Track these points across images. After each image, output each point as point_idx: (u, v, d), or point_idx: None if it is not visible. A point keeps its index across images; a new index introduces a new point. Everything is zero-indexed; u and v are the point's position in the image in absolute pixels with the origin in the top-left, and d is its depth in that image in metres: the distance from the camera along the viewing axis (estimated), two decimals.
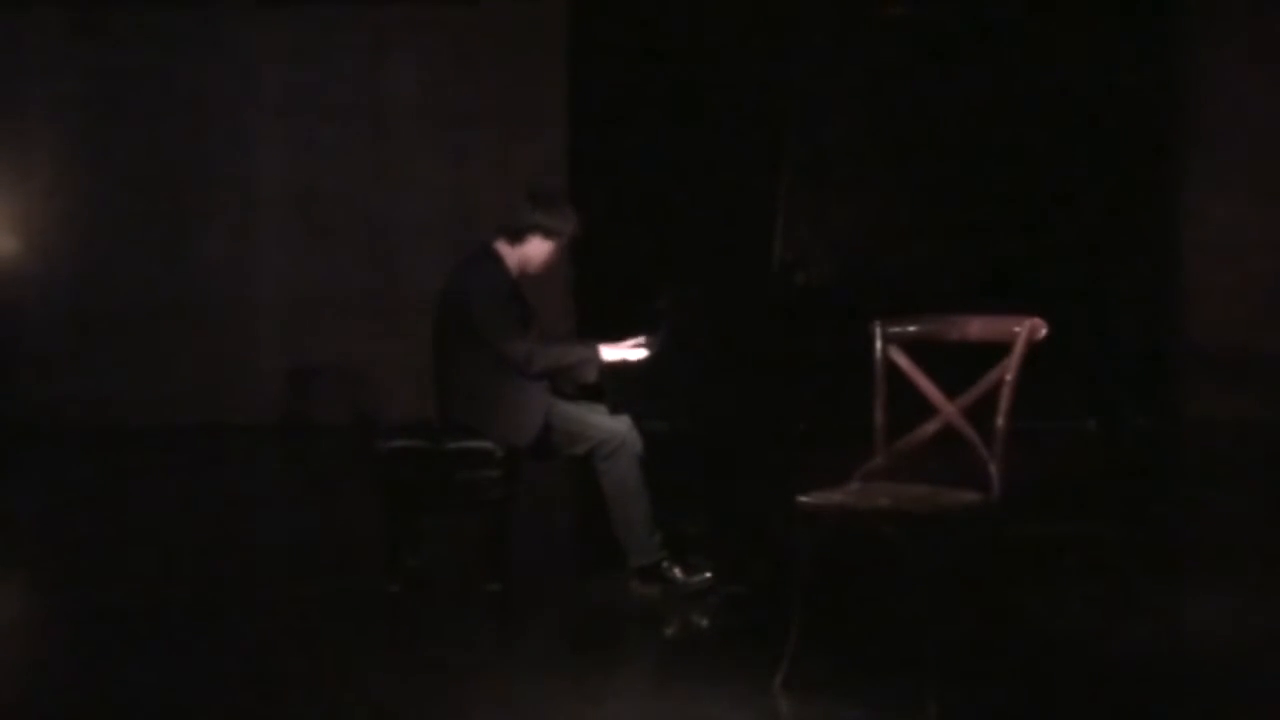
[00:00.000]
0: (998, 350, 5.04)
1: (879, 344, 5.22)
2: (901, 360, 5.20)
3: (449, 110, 10.99)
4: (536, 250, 6.32)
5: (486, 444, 6.18)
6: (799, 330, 6.70)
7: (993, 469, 4.96)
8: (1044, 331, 5.03)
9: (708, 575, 6.24)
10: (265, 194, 11.06)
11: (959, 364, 5.22)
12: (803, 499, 4.99)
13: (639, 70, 10.66)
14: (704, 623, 6.04)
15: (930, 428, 5.17)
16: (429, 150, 10.96)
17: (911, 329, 5.24)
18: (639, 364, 6.26)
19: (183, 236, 11.00)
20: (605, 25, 10.77)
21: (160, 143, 10.94)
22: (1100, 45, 10.54)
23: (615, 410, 6.28)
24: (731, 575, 6.27)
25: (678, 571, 6.23)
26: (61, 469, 9.92)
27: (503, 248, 6.33)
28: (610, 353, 6.26)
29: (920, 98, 10.50)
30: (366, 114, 11.02)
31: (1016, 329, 5.04)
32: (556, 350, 6.28)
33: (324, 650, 5.74)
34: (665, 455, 6.35)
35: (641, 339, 6.33)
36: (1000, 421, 4.98)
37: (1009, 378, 4.99)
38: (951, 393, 5.14)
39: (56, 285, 10.97)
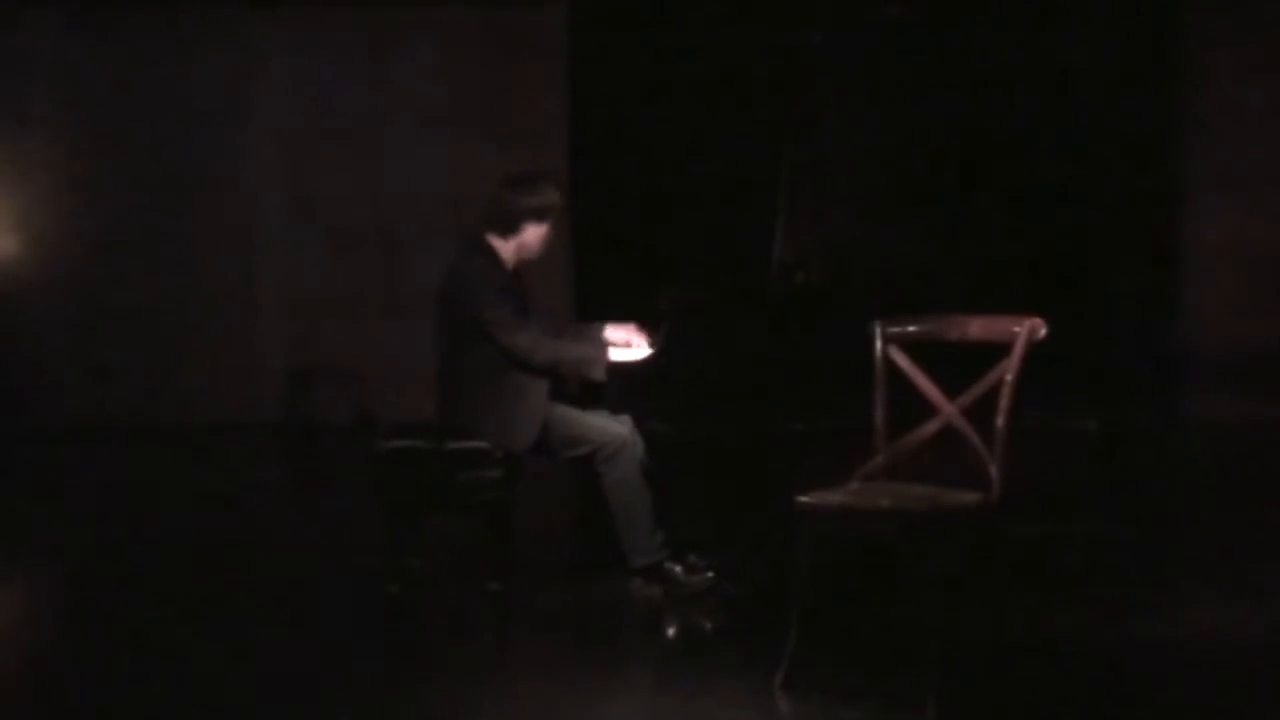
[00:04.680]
0: (998, 350, 5.04)
1: (879, 344, 5.22)
2: (901, 360, 5.20)
3: (449, 111, 10.99)
4: (533, 235, 6.29)
5: (486, 444, 6.18)
6: (799, 330, 6.70)
7: (993, 469, 4.96)
8: (1044, 331, 5.03)
9: (709, 575, 6.24)
10: (266, 194, 11.06)
11: (959, 364, 5.22)
12: (803, 499, 4.99)
13: (639, 71, 10.66)
14: (704, 623, 6.04)
15: (930, 428, 5.17)
16: (429, 151, 10.96)
17: (911, 329, 5.24)
18: (639, 364, 6.26)
19: (183, 237, 11.00)
20: (605, 27, 10.77)
21: (161, 143, 10.94)
22: (1100, 45, 10.55)
23: (615, 411, 6.28)
24: (731, 575, 6.27)
25: (679, 571, 6.23)
26: (61, 469, 9.92)
27: (495, 241, 6.31)
28: (616, 353, 6.24)
29: (920, 98, 10.51)
30: (367, 115, 11.02)
31: (1016, 329, 5.04)
32: (561, 344, 6.26)
33: (324, 650, 5.74)
34: (665, 455, 6.34)
35: (643, 334, 6.33)
36: (1000, 421, 4.98)
37: (1009, 378, 4.99)
38: (951, 393, 5.14)
39: (56, 285, 10.98)
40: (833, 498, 5.02)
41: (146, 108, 10.95)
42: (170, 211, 10.98)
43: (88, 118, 10.98)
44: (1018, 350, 5.01)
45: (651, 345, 6.31)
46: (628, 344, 6.37)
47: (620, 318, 6.53)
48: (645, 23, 10.67)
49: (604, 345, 6.27)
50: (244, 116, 11.02)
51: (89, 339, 10.95)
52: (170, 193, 10.97)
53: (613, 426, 6.22)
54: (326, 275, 11.01)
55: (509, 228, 6.28)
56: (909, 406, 5.20)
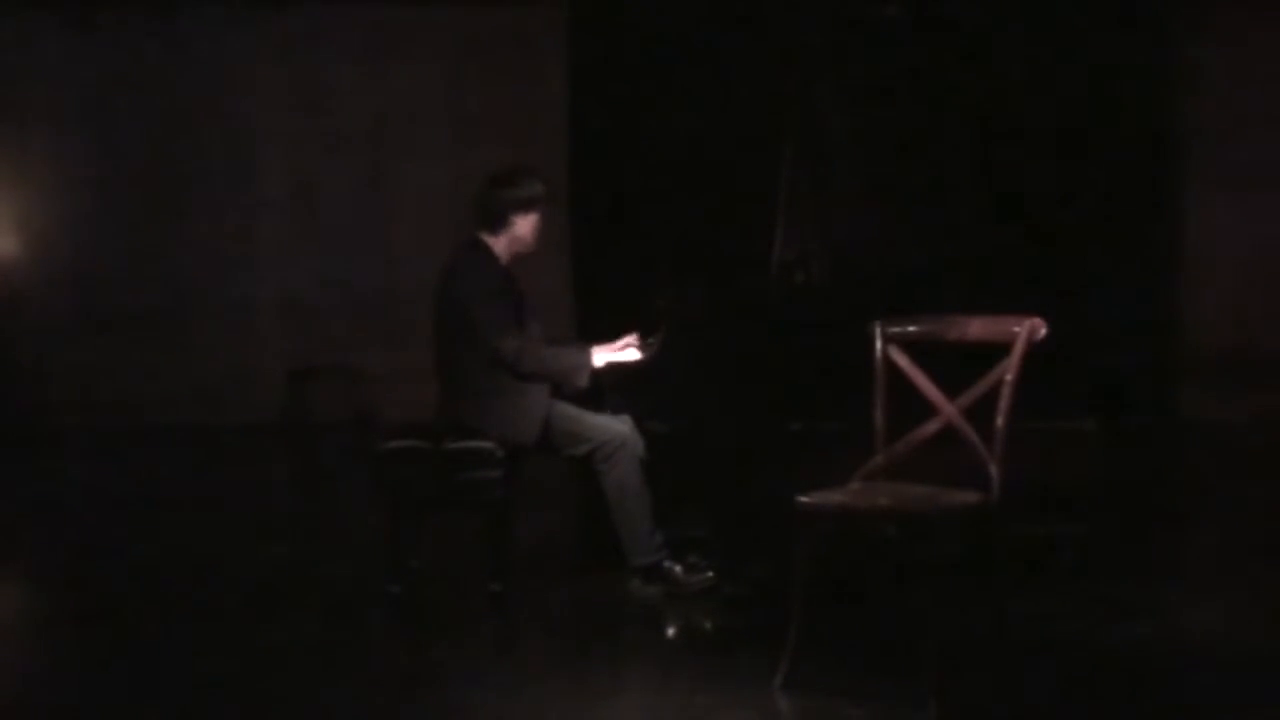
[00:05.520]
0: (998, 350, 5.04)
1: (879, 344, 5.23)
2: (901, 360, 5.20)
3: (449, 111, 10.99)
4: (524, 227, 6.35)
5: (486, 444, 6.18)
6: (799, 330, 6.70)
7: (993, 469, 4.96)
8: (1044, 331, 5.03)
9: (708, 575, 6.24)
10: (265, 194, 11.06)
11: (959, 364, 5.22)
12: (803, 499, 5.00)
13: (639, 71, 10.66)
14: (704, 623, 6.04)
15: (930, 428, 5.17)
16: (429, 151, 10.96)
17: (911, 329, 5.24)
18: (639, 364, 6.26)
19: (182, 236, 11.00)
20: (605, 27, 10.77)
21: (160, 143, 10.94)
22: (1099, 45, 10.54)
23: (615, 411, 6.29)
24: (731, 575, 6.27)
25: (678, 571, 6.23)
26: (61, 469, 9.91)
27: (487, 239, 6.35)
28: (602, 356, 6.26)
29: (919, 98, 10.50)
30: (366, 115, 11.02)
31: (1016, 329, 5.04)
32: (547, 353, 6.28)
33: (325, 650, 5.74)
34: (665, 455, 6.34)
35: (634, 339, 6.33)
36: (1000, 421, 4.98)
37: (1009, 378, 5.00)
38: (951, 393, 5.14)
39: (56, 285, 10.98)
40: (833, 498, 5.03)
41: (146, 108, 10.95)
42: (170, 211, 10.98)
43: (88, 118, 10.98)
44: (1017, 350, 5.01)
45: (645, 352, 6.31)
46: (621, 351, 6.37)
47: (620, 317, 6.53)
48: (645, 23, 10.67)
49: (589, 353, 6.27)
50: (244, 116, 11.02)
51: (89, 339, 10.95)
52: (170, 193, 10.97)
53: (613, 425, 6.24)
54: (326, 275, 11.01)
55: (498, 223, 6.33)
56: (909, 406, 5.20)
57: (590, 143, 10.74)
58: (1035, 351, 5.02)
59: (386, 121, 11.04)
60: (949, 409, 5.12)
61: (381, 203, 11.03)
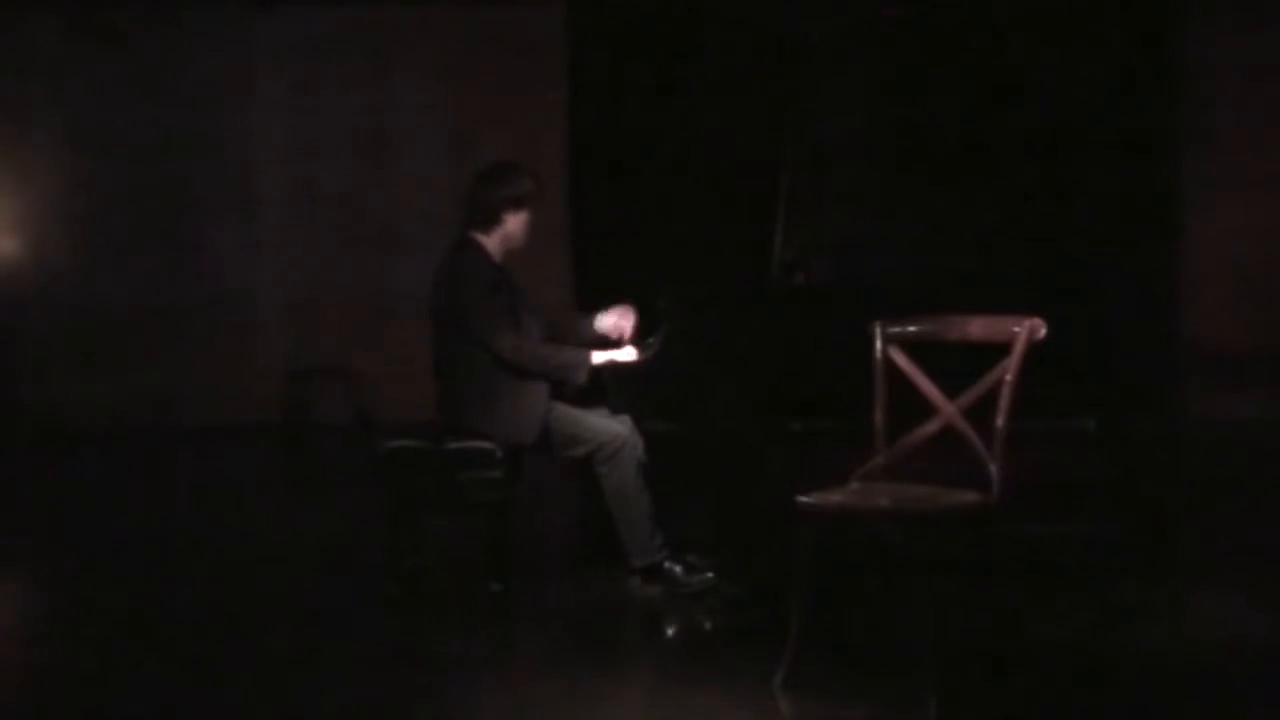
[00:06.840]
0: (998, 350, 5.04)
1: (879, 344, 5.22)
2: (901, 360, 5.20)
3: (449, 111, 10.99)
4: (515, 224, 6.34)
5: (486, 444, 6.18)
6: (799, 330, 6.70)
7: (993, 469, 4.96)
8: (1044, 331, 5.02)
9: (708, 575, 6.24)
10: (266, 194, 11.07)
11: (959, 364, 5.22)
12: (803, 499, 4.99)
13: (638, 71, 10.66)
14: (704, 623, 6.04)
15: (930, 428, 5.17)
16: (429, 150, 10.97)
17: (911, 329, 5.23)
18: (639, 364, 6.26)
19: (183, 237, 11.00)
20: (604, 27, 10.77)
21: (160, 143, 10.94)
22: (1099, 45, 10.55)
23: (615, 411, 6.29)
24: (731, 575, 6.27)
25: (678, 571, 6.23)
26: (62, 469, 9.91)
27: (480, 237, 6.34)
28: (601, 354, 6.25)
29: (919, 98, 10.50)
30: (367, 115, 11.02)
31: (1016, 329, 5.04)
32: (545, 350, 6.27)
33: (324, 650, 5.74)
34: (665, 455, 6.34)
35: (634, 346, 6.33)
36: (1000, 421, 4.97)
37: (1009, 378, 4.99)
38: (951, 393, 5.14)
39: (56, 285, 10.98)
40: (833, 498, 5.02)
41: (147, 109, 10.94)
42: (170, 212, 10.98)
43: (88, 118, 10.98)
44: (1018, 350, 5.01)
45: (641, 350, 6.30)
46: (618, 329, 6.36)
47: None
48: (645, 22, 10.67)
49: (588, 351, 6.26)
50: (244, 117, 11.02)
51: (89, 339, 10.95)
52: (170, 193, 10.97)
53: (613, 426, 6.23)
54: (326, 275, 11.02)
55: (490, 221, 6.32)
56: (909, 406, 5.20)
57: (590, 142, 10.74)
58: (1035, 351, 5.01)
59: (386, 121, 11.04)
60: (949, 409, 5.12)
61: (381, 203, 11.03)
